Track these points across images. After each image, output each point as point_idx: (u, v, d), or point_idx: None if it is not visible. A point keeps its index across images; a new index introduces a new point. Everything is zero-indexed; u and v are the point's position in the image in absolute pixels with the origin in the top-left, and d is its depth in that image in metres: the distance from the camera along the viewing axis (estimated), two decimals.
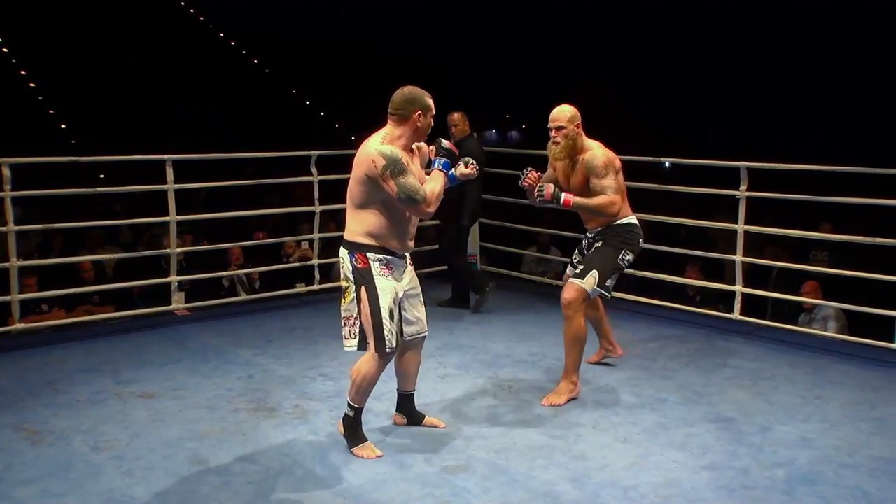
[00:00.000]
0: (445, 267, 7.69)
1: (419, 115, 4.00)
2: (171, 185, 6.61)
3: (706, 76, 21.85)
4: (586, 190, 4.90)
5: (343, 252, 4.12)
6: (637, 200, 7.39)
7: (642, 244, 5.14)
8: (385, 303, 4.02)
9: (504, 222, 8.34)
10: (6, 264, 6.10)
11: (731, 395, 5.10)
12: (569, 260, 7.79)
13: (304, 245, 7.95)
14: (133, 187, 7.18)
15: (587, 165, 4.86)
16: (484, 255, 8.35)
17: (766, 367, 5.64)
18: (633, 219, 5.09)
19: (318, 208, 7.32)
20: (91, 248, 8.43)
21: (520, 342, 6.18)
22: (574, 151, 4.92)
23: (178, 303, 6.96)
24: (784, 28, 21.99)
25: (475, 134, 7.36)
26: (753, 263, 6.74)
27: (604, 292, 4.99)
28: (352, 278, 4.08)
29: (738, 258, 6.50)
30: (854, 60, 19.97)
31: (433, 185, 4.02)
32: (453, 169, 4.20)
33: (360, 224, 4.05)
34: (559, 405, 4.87)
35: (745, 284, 6.57)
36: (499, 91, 23.48)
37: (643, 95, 21.36)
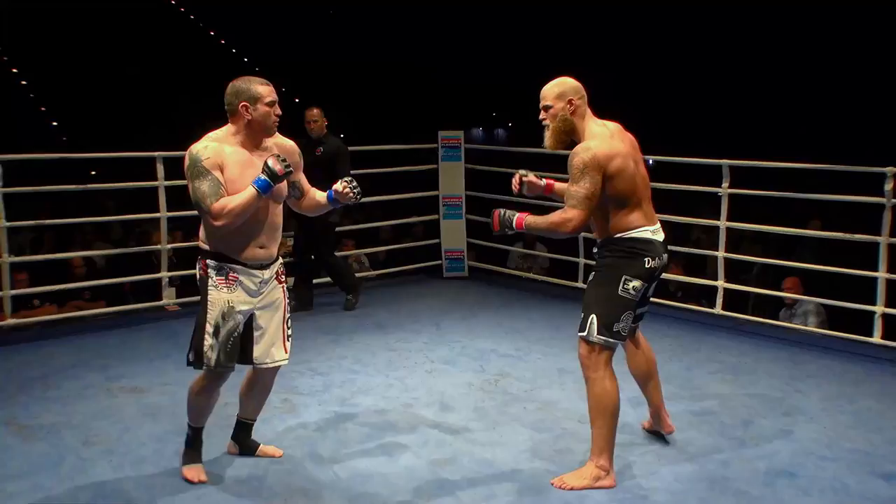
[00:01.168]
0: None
1: (244, 106, 3.51)
2: (161, 182, 6.58)
3: (690, 76, 21.93)
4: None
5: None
6: None
7: (657, 263, 3.78)
8: (211, 317, 3.61)
9: (490, 219, 8.32)
10: None
11: (714, 388, 5.11)
12: (553, 256, 7.75)
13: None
14: (124, 184, 7.15)
15: (568, 162, 3.70)
16: (471, 250, 8.36)
17: (747, 361, 5.65)
18: (643, 232, 3.78)
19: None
20: (82, 244, 8.41)
21: (505, 337, 6.17)
22: (567, 137, 3.80)
23: (168, 298, 6.94)
24: (765, 31, 22.08)
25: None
26: (736, 259, 6.75)
27: (614, 339, 3.77)
28: (199, 286, 3.74)
29: (721, 254, 6.51)
30: (836, 62, 20.05)
31: (234, 200, 3.45)
32: (332, 189, 3.74)
33: (203, 228, 3.67)
34: (578, 488, 3.74)
35: (728, 280, 6.59)
36: (485, 89, 23.46)
37: (627, 94, 21.39)
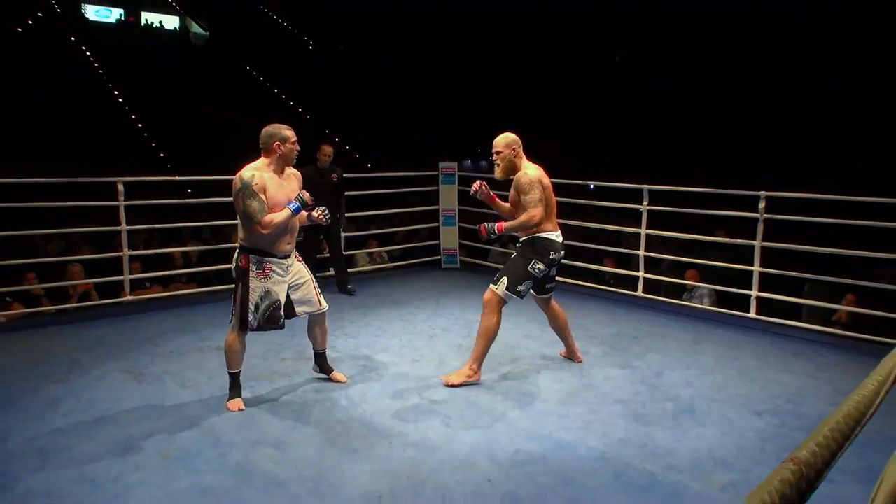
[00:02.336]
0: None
1: (277, 144, 3.76)
2: None
3: (621, 126, 21.97)
4: (521, 205, 4.26)
5: (236, 253, 3.89)
6: (570, 211, 7.44)
7: (556, 255, 4.28)
8: (253, 298, 3.79)
9: (476, 226, 8.33)
10: (120, 253, 6.11)
11: (635, 349, 5.14)
12: (508, 251, 7.76)
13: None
14: (211, 199, 7.15)
15: (516, 183, 4.24)
16: (462, 249, 8.36)
17: (660, 329, 5.68)
18: (551, 234, 4.29)
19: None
20: (181, 242, 8.43)
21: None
22: (511, 172, 4.27)
23: None
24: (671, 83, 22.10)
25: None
26: (652, 257, 6.78)
27: (513, 295, 4.25)
28: (234, 274, 3.87)
29: (641, 253, 6.55)
30: (718, 115, 20.06)
31: (277, 217, 3.69)
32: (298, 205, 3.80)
33: (243, 231, 3.81)
34: (453, 385, 4.23)
35: (646, 271, 6.62)
36: (471, 131, 23.56)
37: (575, 136, 21.43)
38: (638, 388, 4.33)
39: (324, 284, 7.09)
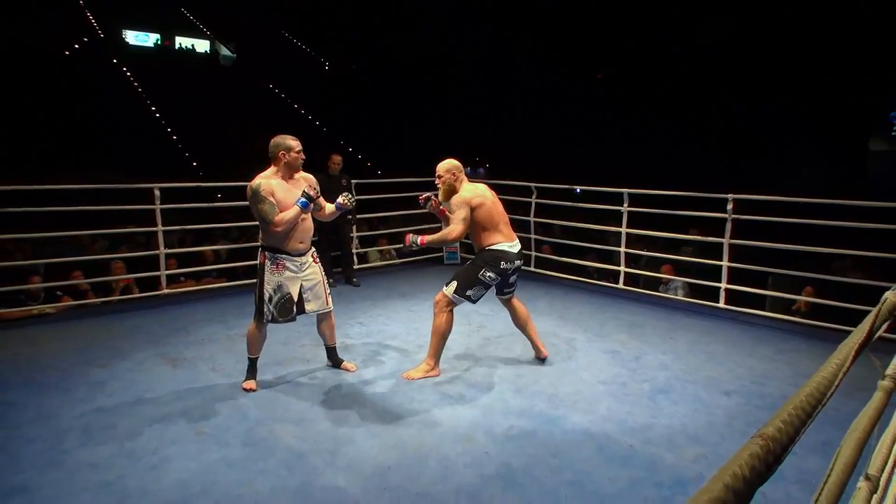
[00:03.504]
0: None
1: (283, 153, 3.74)
2: None
3: (606, 137, 21.93)
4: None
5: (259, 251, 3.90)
6: (559, 213, 7.42)
7: (508, 265, 4.06)
8: (267, 290, 3.80)
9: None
10: (157, 251, 6.09)
11: (617, 336, 5.13)
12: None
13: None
14: (238, 203, 7.14)
15: (450, 204, 4.05)
16: (462, 246, 8.34)
17: (639, 318, 5.67)
18: (502, 245, 4.08)
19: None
20: (211, 241, 8.40)
21: (483, 302, 6.15)
22: (452, 194, 4.05)
23: None
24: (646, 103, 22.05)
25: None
26: (632, 252, 6.76)
27: (463, 299, 4.06)
28: (258, 269, 3.88)
29: (622, 249, 6.53)
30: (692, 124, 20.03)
31: (286, 215, 3.68)
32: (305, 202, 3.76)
33: (261, 232, 3.82)
34: (412, 379, 4.07)
35: (626, 266, 6.59)
36: (471, 142, 23.52)
37: (562, 146, 21.42)
38: (619, 370, 4.32)
39: (337, 279, 7.11)
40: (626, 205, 6.39)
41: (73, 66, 26.74)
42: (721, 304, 5.82)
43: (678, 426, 3.45)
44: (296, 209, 3.73)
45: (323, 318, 4.17)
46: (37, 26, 27.99)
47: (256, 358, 4.01)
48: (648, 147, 19.97)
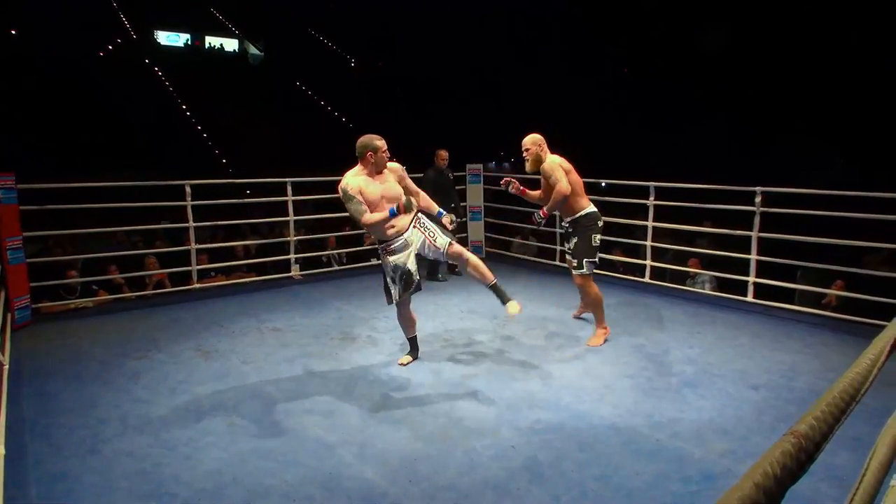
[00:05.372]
0: None
1: (370, 154, 3.83)
2: (290, 198, 6.65)
3: (631, 131, 21.66)
4: (550, 189, 4.48)
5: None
6: None
7: (602, 224, 4.60)
8: (388, 274, 3.98)
9: (500, 221, 8.30)
10: (188, 247, 6.19)
11: (644, 330, 5.07)
12: (541, 244, 7.77)
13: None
14: (268, 199, 7.22)
15: (543, 172, 4.51)
16: (487, 241, 8.32)
17: (666, 312, 5.60)
18: (590, 209, 4.57)
19: None
20: (241, 236, 8.52)
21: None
22: (538, 164, 4.52)
23: (295, 271, 7.01)
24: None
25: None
26: (658, 246, 6.67)
27: (593, 266, 4.58)
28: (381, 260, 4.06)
29: (649, 243, 6.44)
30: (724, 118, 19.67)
31: (375, 216, 3.77)
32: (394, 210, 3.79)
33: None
34: (598, 345, 4.57)
35: (653, 260, 6.52)
36: (495, 137, 23.44)
37: (591, 140, 21.22)
38: (646, 364, 4.27)
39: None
40: (652, 198, 6.31)
41: (108, 67, 27.20)
42: (749, 298, 5.71)
43: (706, 420, 3.41)
44: (384, 214, 3.79)
45: (460, 265, 4.06)
46: (72, 29, 28.51)
47: (413, 337, 4.30)
48: (676, 139, 19.68)
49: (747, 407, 3.59)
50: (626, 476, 2.86)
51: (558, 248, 7.30)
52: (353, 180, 3.82)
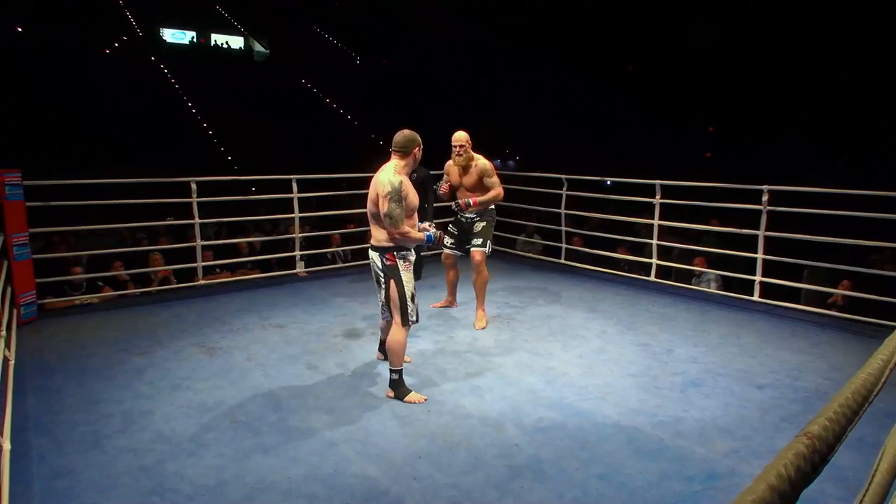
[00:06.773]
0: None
1: (418, 149, 3.57)
2: (295, 195, 6.63)
3: (635, 131, 21.61)
4: (479, 185, 4.87)
5: (374, 254, 3.63)
6: (591, 204, 7.33)
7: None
8: (408, 290, 3.58)
9: (504, 218, 8.26)
10: (193, 243, 6.18)
11: (648, 328, 5.05)
12: (544, 242, 7.71)
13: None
14: (272, 195, 7.22)
15: (481, 169, 4.84)
16: (493, 239, 8.29)
17: (670, 311, 5.57)
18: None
19: None
20: (245, 233, 8.51)
21: (513, 293, 6.14)
22: (470, 159, 4.87)
23: (300, 268, 7.00)
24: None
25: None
26: (664, 245, 6.64)
27: (490, 249, 5.04)
28: (382, 273, 3.62)
29: (654, 242, 6.41)
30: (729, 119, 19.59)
31: (412, 233, 3.54)
32: (433, 237, 3.69)
33: (381, 233, 3.55)
34: (483, 328, 4.94)
35: (658, 258, 6.48)
36: (502, 136, 23.41)
37: (596, 138, 21.16)
38: (650, 363, 4.25)
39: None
40: (658, 196, 6.28)
41: (113, 64, 27.24)
42: (755, 297, 5.68)
43: (709, 420, 3.38)
44: (421, 237, 3.61)
45: (384, 330, 4.02)
46: (78, 26, 28.56)
47: (402, 369, 3.69)
48: (679, 139, 19.62)
49: (752, 406, 3.56)
50: (629, 475, 2.83)
51: (564, 245, 7.27)
52: (406, 179, 3.50)
